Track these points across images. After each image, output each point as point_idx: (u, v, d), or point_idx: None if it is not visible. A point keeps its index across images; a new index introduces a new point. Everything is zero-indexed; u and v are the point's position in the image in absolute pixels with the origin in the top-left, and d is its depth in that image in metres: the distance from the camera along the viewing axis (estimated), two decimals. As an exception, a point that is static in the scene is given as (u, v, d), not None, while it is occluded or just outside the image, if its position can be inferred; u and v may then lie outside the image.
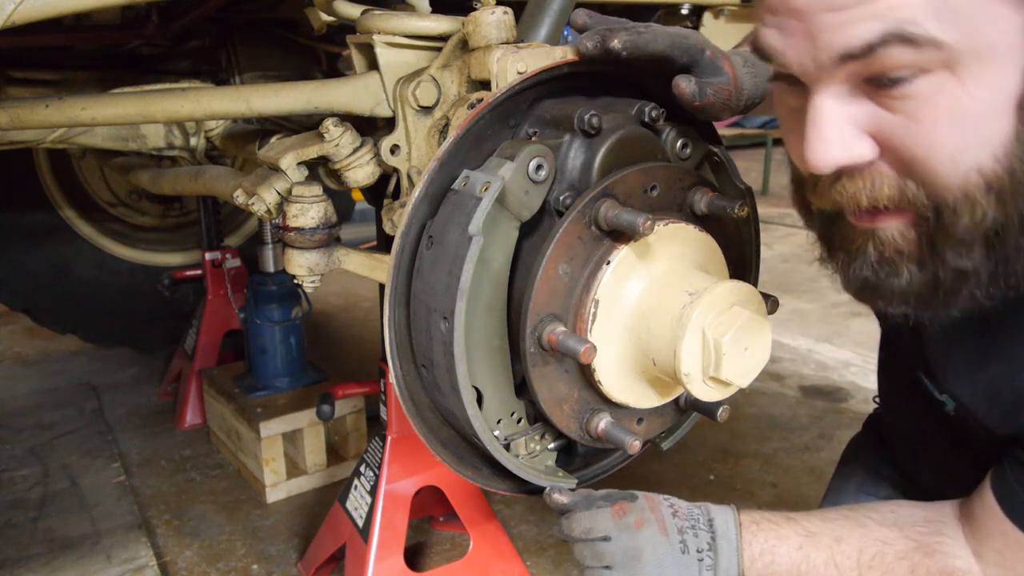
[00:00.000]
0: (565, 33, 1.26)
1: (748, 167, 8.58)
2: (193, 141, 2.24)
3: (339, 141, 1.18)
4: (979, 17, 0.66)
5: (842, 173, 0.76)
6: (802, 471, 2.71)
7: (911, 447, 1.30)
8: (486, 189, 0.90)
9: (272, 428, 2.51)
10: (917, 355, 1.08)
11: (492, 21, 1.07)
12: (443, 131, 1.15)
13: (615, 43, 0.94)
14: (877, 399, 1.49)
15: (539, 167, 0.93)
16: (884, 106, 0.71)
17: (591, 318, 0.94)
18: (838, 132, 0.72)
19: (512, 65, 1.03)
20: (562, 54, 1.04)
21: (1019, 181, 0.71)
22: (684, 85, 0.97)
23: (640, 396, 1.02)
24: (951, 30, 0.65)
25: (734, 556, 0.98)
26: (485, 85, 1.09)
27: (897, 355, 1.24)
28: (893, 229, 0.77)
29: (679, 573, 0.95)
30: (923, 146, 0.71)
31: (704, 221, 1.04)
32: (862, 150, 0.73)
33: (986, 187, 0.71)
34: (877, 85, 0.70)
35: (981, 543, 0.97)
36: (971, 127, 0.69)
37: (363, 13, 1.21)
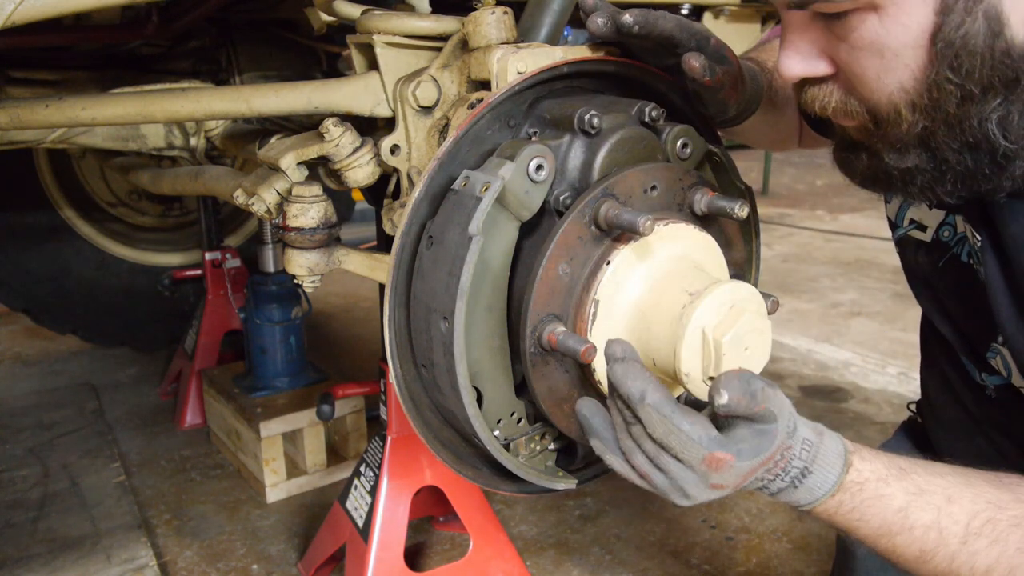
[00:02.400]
0: (565, 33, 1.26)
1: (748, 167, 8.58)
2: (193, 141, 2.24)
3: (339, 141, 1.18)
4: None
5: (805, 83, 0.96)
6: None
7: (953, 438, 1.29)
8: (486, 189, 0.90)
9: (272, 428, 2.51)
10: (964, 326, 1.13)
11: (492, 21, 1.07)
12: (443, 131, 1.15)
13: (627, 18, 0.96)
14: (911, 406, 1.49)
15: (539, 167, 0.93)
16: (835, 34, 0.88)
17: (591, 318, 0.94)
18: (799, 50, 0.92)
19: (512, 65, 1.03)
20: (562, 54, 1.04)
21: (936, 98, 0.85)
22: (695, 61, 0.98)
23: (640, 396, 1.02)
24: None
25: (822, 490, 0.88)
26: (485, 85, 1.09)
27: (939, 341, 1.25)
28: (848, 127, 0.97)
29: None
30: (857, 69, 0.88)
31: (704, 221, 1.04)
32: (817, 67, 0.92)
33: (910, 104, 0.87)
34: (825, 18, 0.87)
35: None
36: (890, 55, 0.84)
37: (363, 13, 1.21)
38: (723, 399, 0.79)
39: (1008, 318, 1.01)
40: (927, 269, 1.21)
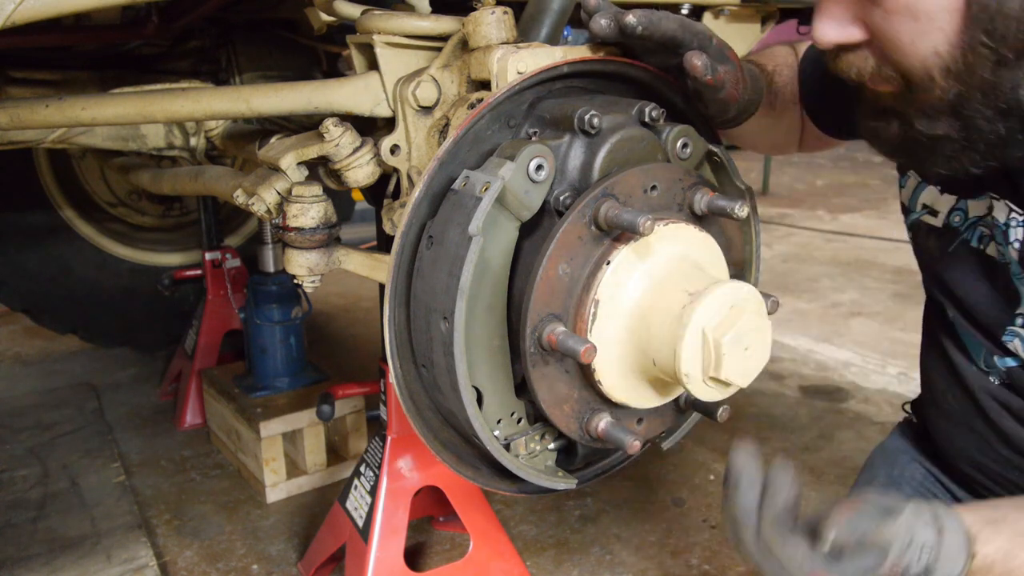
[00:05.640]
0: (565, 33, 1.26)
1: (748, 167, 8.58)
2: (193, 141, 2.24)
3: (339, 141, 1.18)
4: None
5: (840, 49, 0.97)
6: (802, 471, 2.71)
7: (953, 428, 1.31)
8: (486, 189, 0.90)
9: (272, 428, 2.51)
10: (994, 294, 1.15)
11: (492, 21, 1.07)
12: (443, 131, 1.15)
13: (630, 19, 0.96)
14: (907, 406, 1.50)
15: (539, 167, 0.93)
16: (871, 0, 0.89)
17: (591, 318, 0.94)
18: (833, 16, 0.93)
19: (512, 65, 1.03)
20: (562, 54, 1.04)
21: (971, 63, 0.85)
22: (697, 60, 0.98)
23: (640, 396, 1.02)
24: None
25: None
26: (485, 85, 1.09)
27: (943, 328, 1.25)
28: (882, 93, 0.97)
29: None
30: (891, 33, 0.89)
31: (704, 221, 1.04)
32: (852, 33, 0.93)
33: (944, 69, 0.87)
34: None
35: None
36: (925, 18, 0.85)
37: (363, 13, 1.21)
38: (826, 545, 0.85)
39: None
40: (937, 254, 1.22)
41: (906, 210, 1.29)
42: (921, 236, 1.26)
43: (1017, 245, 1.08)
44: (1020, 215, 1.06)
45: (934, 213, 1.22)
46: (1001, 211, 1.09)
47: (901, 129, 0.97)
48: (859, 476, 1.53)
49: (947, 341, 1.27)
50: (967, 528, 0.89)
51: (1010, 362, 1.13)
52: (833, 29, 0.94)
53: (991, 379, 1.18)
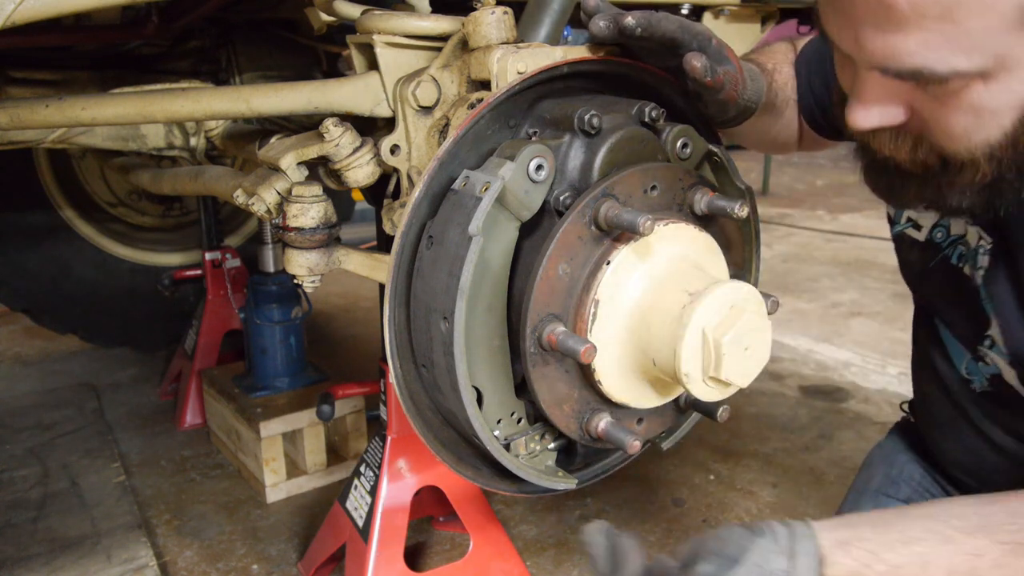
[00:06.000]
0: (565, 33, 1.26)
1: (748, 167, 8.59)
2: (193, 141, 2.24)
3: (339, 141, 1.18)
4: (1005, 44, 0.74)
5: (875, 129, 0.90)
6: (802, 471, 2.71)
7: (948, 434, 1.32)
8: (486, 189, 0.90)
9: (272, 428, 2.51)
10: (963, 312, 1.16)
11: (492, 21, 1.06)
12: (443, 131, 1.15)
13: (629, 20, 0.95)
14: (904, 405, 1.51)
15: (539, 167, 0.93)
16: (926, 92, 0.82)
17: (591, 318, 0.94)
18: (876, 99, 0.86)
19: (512, 65, 1.03)
20: (562, 54, 1.04)
21: (1020, 150, 0.83)
22: (696, 61, 0.97)
23: (640, 396, 1.02)
24: (978, 58, 0.75)
25: None
26: (485, 85, 1.09)
27: (932, 338, 1.26)
28: (906, 162, 0.92)
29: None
30: (943, 124, 0.83)
31: (704, 221, 1.04)
32: (894, 117, 0.87)
33: (991, 156, 0.84)
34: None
35: None
36: (987, 116, 0.80)
37: (363, 13, 1.21)
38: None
39: (1013, 320, 1.02)
40: (919, 267, 1.24)
41: (891, 220, 1.30)
42: (905, 248, 1.28)
43: (982, 272, 1.10)
44: (988, 243, 1.08)
45: (918, 227, 1.24)
46: (974, 236, 1.11)
47: (920, 191, 0.93)
48: (857, 476, 1.53)
49: (932, 347, 1.29)
50: (819, 550, 0.92)
51: (992, 369, 1.15)
52: (876, 116, 0.87)
53: (973, 386, 1.20)
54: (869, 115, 0.87)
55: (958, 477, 1.34)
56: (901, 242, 1.28)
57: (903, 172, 0.93)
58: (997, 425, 1.19)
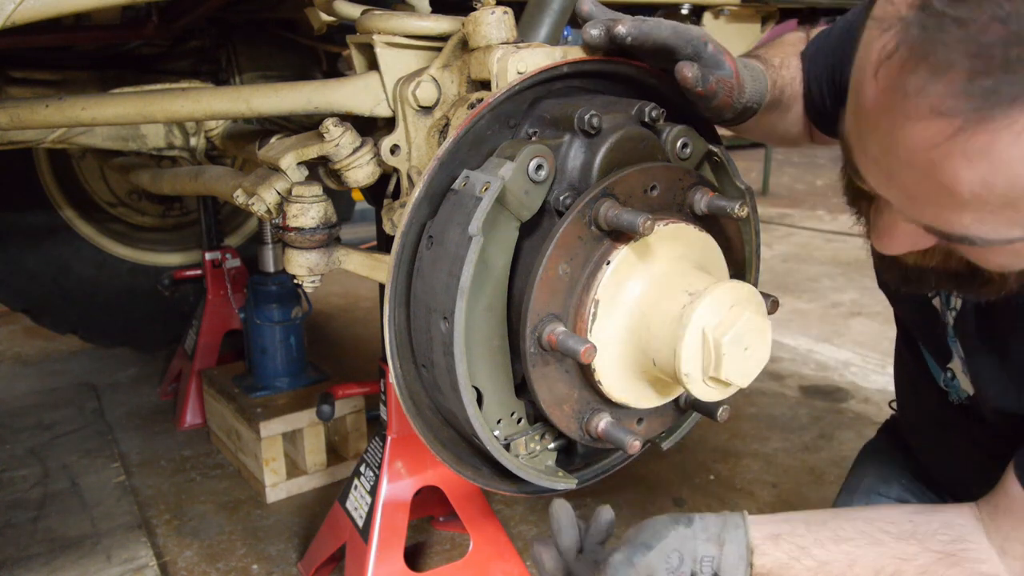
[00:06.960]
0: (565, 33, 1.25)
1: (748, 167, 8.58)
2: (193, 141, 2.24)
3: (339, 141, 1.17)
4: None
5: None
6: (802, 471, 2.71)
7: (927, 439, 1.34)
8: (486, 189, 0.90)
9: (272, 428, 2.51)
10: (932, 340, 1.17)
11: (492, 21, 1.06)
12: (443, 131, 1.15)
13: (620, 30, 0.95)
14: (894, 404, 1.51)
15: (539, 167, 0.93)
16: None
17: (591, 318, 0.94)
18: (907, 235, 0.81)
19: (512, 65, 1.03)
20: (562, 54, 1.04)
21: None
22: (687, 71, 0.97)
23: (640, 396, 1.02)
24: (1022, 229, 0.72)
25: None
26: (485, 85, 1.09)
27: (911, 348, 1.27)
28: (935, 267, 0.90)
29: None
30: (978, 258, 0.81)
31: (704, 221, 1.04)
32: (925, 243, 0.82)
33: (1020, 274, 0.83)
34: None
35: (1007, 538, 0.98)
36: None
37: (363, 13, 1.21)
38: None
39: (984, 370, 1.06)
40: (893, 288, 1.25)
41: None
42: (885, 268, 1.27)
43: (954, 314, 1.11)
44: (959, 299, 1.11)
45: None
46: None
47: (938, 283, 0.93)
48: (848, 475, 1.53)
49: (913, 357, 1.31)
50: (749, 541, 0.98)
51: (967, 391, 1.17)
52: (906, 244, 0.84)
53: (951, 398, 1.21)
54: (895, 246, 0.85)
55: (937, 479, 1.35)
56: (881, 260, 1.28)
57: (924, 268, 0.91)
58: (972, 436, 1.20)
